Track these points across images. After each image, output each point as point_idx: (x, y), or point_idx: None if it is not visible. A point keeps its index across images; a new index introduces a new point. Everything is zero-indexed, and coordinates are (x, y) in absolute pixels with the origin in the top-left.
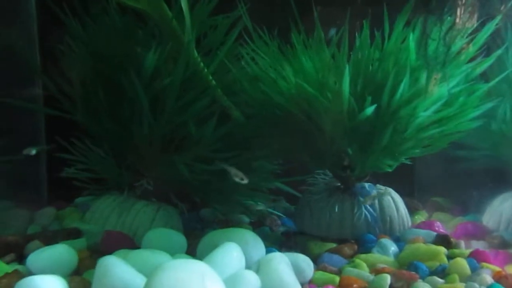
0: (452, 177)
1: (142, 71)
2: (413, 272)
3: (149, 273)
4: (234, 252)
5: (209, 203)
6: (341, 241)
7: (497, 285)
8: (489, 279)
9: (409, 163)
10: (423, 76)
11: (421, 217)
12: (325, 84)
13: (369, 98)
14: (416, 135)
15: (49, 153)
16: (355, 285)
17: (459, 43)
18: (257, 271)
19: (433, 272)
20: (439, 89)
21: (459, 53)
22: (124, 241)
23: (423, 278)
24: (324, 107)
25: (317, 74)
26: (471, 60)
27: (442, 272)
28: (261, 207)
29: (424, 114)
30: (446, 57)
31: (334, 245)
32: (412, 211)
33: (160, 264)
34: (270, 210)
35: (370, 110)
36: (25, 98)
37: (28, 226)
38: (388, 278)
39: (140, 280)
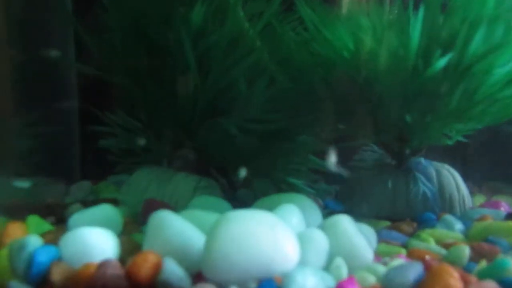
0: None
1: (187, 28)
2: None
3: (206, 230)
4: (295, 213)
5: (249, 179)
6: (395, 221)
7: None
8: None
9: (464, 141)
10: (501, 27)
11: (480, 199)
12: (385, 41)
13: (438, 52)
14: (488, 97)
15: (83, 124)
16: (427, 256)
17: None
18: None
19: None
20: None
21: None
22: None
23: (504, 253)
24: (384, 66)
25: (375, 31)
26: None
27: None
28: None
29: (501, 71)
30: None
31: (388, 223)
32: None
33: (224, 215)
34: (311, 190)
35: (441, 63)
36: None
37: (64, 199)
38: (466, 249)
39: (199, 235)
